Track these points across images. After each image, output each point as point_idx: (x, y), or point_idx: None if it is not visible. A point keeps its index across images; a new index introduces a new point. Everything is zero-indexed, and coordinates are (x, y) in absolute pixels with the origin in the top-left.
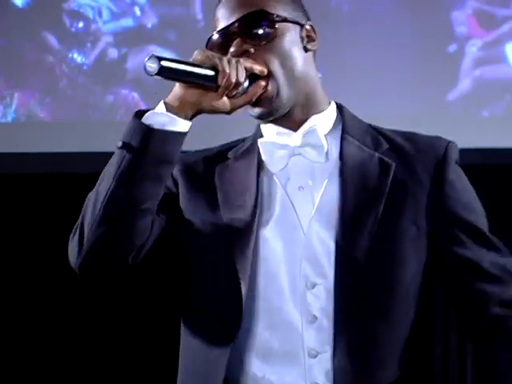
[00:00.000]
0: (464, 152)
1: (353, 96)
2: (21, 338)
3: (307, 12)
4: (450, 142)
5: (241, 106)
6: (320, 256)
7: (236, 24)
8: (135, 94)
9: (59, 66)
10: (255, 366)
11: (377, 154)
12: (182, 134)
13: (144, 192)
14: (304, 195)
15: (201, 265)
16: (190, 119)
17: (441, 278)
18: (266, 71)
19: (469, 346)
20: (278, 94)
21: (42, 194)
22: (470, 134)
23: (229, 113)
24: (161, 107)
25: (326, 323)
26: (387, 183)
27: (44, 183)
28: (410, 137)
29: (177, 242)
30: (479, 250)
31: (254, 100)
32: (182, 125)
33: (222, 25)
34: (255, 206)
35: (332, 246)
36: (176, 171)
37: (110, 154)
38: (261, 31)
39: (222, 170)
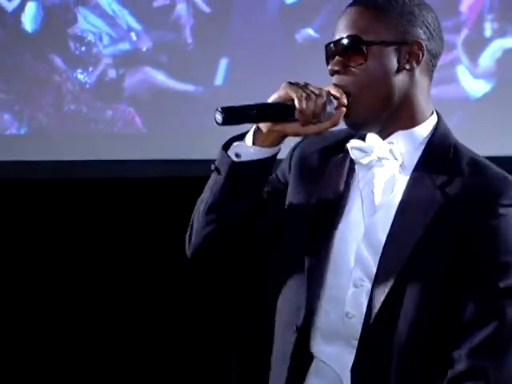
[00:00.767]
0: None
1: None
2: (24, 333)
3: (427, 21)
4: None
5: (327, 129)
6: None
7: (334, 44)
8: (131, 109)
9: (65, 84)
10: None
11: (438, 192)
12: (271, 158)
13: (236, 206)
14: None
15: (282, 255)
16: (278, 144)
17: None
18: (344, 97)
19: None
20: (357, 114)
21: (50, 197)
22: None
23: (318, 134)
24: (249, 138)
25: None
26: (432, 216)
27: (52, 188)
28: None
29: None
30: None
31: (338, 121)
32: (268, 151)
33: (333, 39)
34: (340, 207)
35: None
36: (293, 161)
37: (109, 162)
38: (351, 55)
39: (330, 166)
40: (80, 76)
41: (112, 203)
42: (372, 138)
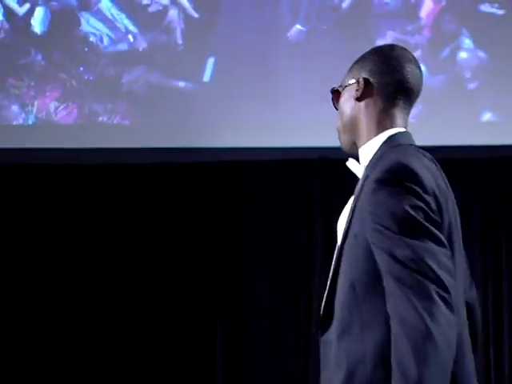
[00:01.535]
0: None
1: (295, 106)
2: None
3: (373, 62)
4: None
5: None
6: None
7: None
8: (128, 103)
9: (69, 80)
10: None
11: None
12: None
13: None
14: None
15: None
16: None
17: None
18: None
19: None
20: (340, 141)
21: (54, 181)
22: None
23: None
24: None
25: None
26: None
27: (57, 173)
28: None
29: None
30: None
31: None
32: None
33: None
34: None
35: None
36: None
37: (108, 150)
38: (334, 99)
39: None
40: (82, 73)
41: (111, 186)
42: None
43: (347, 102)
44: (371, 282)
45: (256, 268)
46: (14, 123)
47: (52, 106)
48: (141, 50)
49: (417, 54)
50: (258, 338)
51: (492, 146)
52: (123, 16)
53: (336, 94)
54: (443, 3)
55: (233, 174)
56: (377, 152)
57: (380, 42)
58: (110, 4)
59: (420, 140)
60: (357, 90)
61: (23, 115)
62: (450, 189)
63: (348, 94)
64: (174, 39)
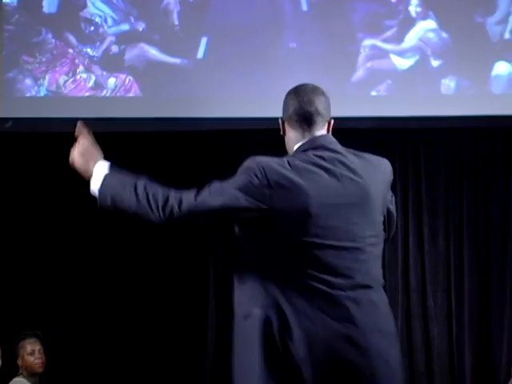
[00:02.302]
0: (360, 119)
1: (283, 80)
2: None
3: (285, 104)
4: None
5: None
6: None
7: None
8: (130, 77)
9: (77, 57)
10: None
11: None
12: None
13: None
14: None
15: None
16: None
17: None
18: None
19: None
20: None
21: (64, 148)
22: (364, 106)
23: None
24: None
25: None
26: None
27: (66, 140)
28: None
29: None
30: None
31: None
32: None
33: None
34: None
35: None
36: None
37: (112, 119)
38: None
39: None
40: (89, 50)
41: (115, 152)
42: None
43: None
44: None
45: None
46: (28, 95)
47: (61, 79)
48: (141, 29)
49: (388, 34)
50: None
51: (452, 116)
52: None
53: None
54: None
55: (222, 141)
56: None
57: (356, 23)
58: None
59: (389, 111)
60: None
61: (36, 88)
62: (345, 171)
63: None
64: (171, 20)
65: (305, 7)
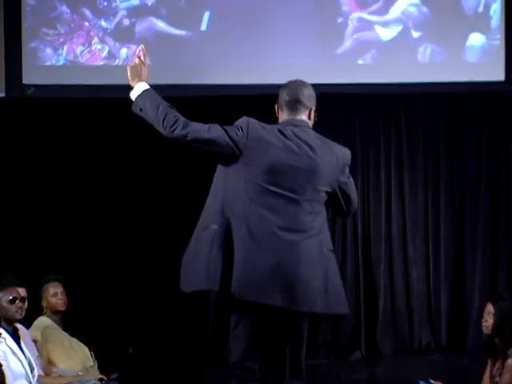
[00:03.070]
0: (348, 85)
1: (278, 50)
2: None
3: (280, 93)
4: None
5: None
6: None
7: None
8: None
9: (93, 29)
10: None
11: None
12: None
13: None
14: None
15: None
16: None
17: None
18: None
19: None
20: None
21: (80, 111)
22: (351, 74)
23: None
24: None
25: None
26: None
27: (83, 105)
28: None
29: None
30: None
31: None
32: None
33: None
34: None
35: None
36: None
37: (125, 86)
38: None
39: None
40: (103, 23)
41: (126, 115)
42: None
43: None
44: None
45: None
46: (48, 64)
47: (78, 50)
48: (150, 4)
49: (374, 8)
50: None
51: (431, 82)
52: None
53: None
54: None
55: (223, 106)
56: None
57: None
58: None
59: (374, 78)
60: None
61: (55, 57)
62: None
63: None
64: None
65: None
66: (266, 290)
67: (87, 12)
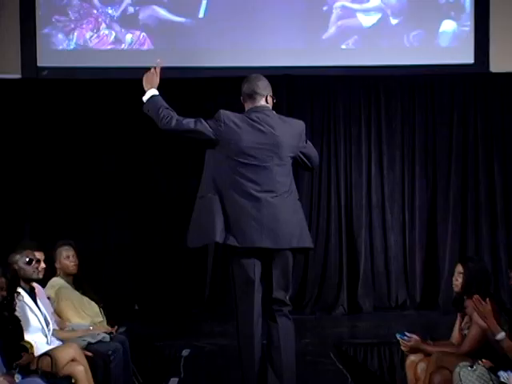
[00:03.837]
0: (333, 68)
1: (269, 35)
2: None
3: (243, 84)
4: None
5: None
6: None
7: None
8: (144, 34)
9: (100, 16)
10: None
11: None
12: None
13: None
14: None
15: None
16: None
17: None
18: None
19: None
20: None
21: (90, 91)
22: (335, 57)
23: None
24: None
25: None
26: None
27: (91, 85)
28: None
29: None
30: None
31: None
32: None
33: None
34: None
35: None
36: None
37: (130, 68)
38: None
39: None
40: (110, 11)
41: (132, 94)
42: None
43: None
44: None
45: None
46: (60, 48)
47: (87, 35)
48: None
49: None
50: None
51: (407, 65)
52: None
53: None
54: None
55: (218, 86)
56: None
57: None
58: None
59: (356, 61)
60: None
61: (66, 42)
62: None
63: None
64: None
65: None
66: (256, 237)
67: (95, 0)
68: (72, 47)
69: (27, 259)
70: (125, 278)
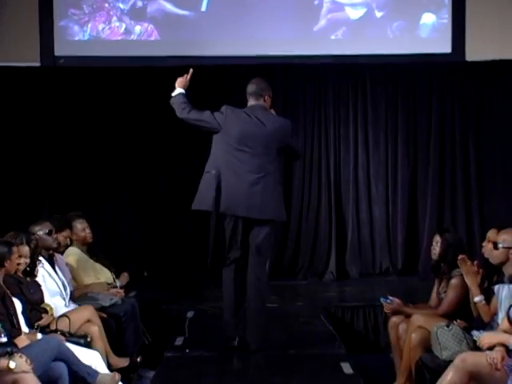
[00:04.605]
0: (323, 57)
1: (266, 27)
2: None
3: (247, 87)
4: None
5: None
6: None
7: None
8: (152, 26)
9: (112, 9)
10: None
11: None
12: None
13: None
14: None
15: None
16: None
17: None
18: None
19: None
20: None
21: (103, 78)
22: (325, 47)
23: None
24: None
25: None
26: None
27: (104, 73)
28: None
29: None
30: None
31: None
32: None
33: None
34: None
35: None
36: None
37: (139, 57)
38: None
39: None
40: (120, 5)
41: (140, 80)
42: None
43: None
44: None
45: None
46: (75, 39)
47: (100, 27)
48: None
49: None
50: None
51: (391, 54)
52: None
53: None
54: None
55: (220, 74)
56: None
57: None
58: None
59: (344, 50)
60: None
61: (81, 33)
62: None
63: None
64: None
65: None
66: (239, 207)
67: None
68: (86, 38)
69: (47, 230)
70: (135, 247)
